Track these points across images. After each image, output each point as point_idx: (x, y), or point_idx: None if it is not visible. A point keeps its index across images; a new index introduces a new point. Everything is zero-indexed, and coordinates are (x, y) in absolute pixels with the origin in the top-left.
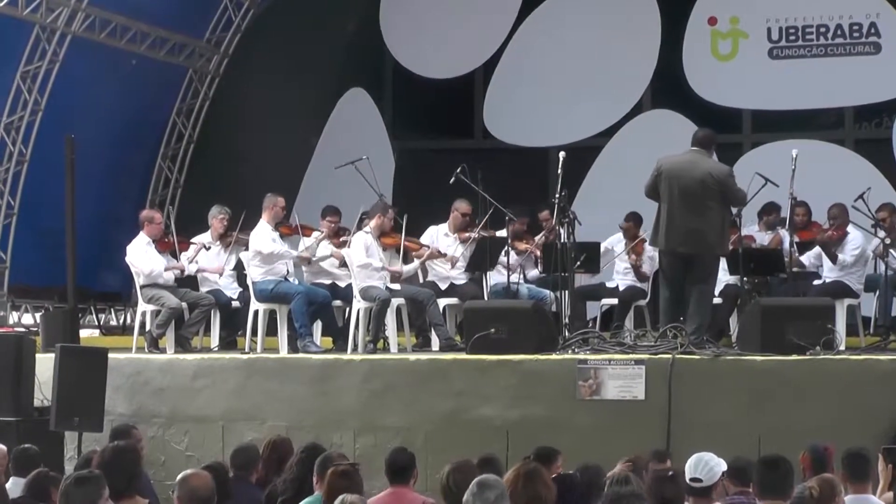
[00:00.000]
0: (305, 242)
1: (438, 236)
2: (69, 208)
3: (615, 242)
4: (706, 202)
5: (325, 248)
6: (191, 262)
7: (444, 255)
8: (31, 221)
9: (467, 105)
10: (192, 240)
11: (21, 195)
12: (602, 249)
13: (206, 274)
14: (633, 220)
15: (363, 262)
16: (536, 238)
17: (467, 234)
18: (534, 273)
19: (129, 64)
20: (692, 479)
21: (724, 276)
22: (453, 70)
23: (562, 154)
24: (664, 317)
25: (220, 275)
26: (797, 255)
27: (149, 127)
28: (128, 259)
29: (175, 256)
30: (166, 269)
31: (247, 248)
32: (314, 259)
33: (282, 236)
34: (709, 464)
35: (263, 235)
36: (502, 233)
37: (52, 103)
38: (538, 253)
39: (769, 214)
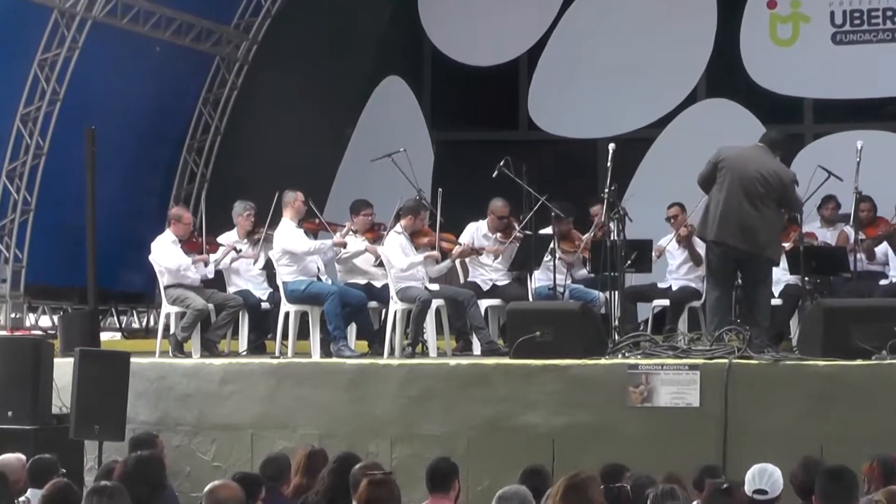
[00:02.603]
0: (334, 238)
1: (477, 236)
2: (90, 204)
3: (667, 242)
4: (765, 200)
5: (360, 243)
6: (217, 264)
7: (479, 252)
8: (49, 218)
9: (511, 94)
10: (220, 239)
11: (38, 190)
12: (655, 254)
13: (240, 264)
14: (679, 206)
15: (406, 264)
16: (585, 236)
17: (505, 238)
18: (582, 272)
19: (152, 51)
20: (756, 491)
21: (784, 276)
22: (496, 57)
23: (611, 146)
24: (713, 317)
25: (255, 261)
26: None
27: (173, 118)
28: (152, 257)
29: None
30: (194, 262)
31: None
32: (346, 255)
33: (306, 233)
34: (773, 475)
35: (291, 233)
36: (548, 230)
37: (72, 93)
38: (587, 254)
39: (826, 208)
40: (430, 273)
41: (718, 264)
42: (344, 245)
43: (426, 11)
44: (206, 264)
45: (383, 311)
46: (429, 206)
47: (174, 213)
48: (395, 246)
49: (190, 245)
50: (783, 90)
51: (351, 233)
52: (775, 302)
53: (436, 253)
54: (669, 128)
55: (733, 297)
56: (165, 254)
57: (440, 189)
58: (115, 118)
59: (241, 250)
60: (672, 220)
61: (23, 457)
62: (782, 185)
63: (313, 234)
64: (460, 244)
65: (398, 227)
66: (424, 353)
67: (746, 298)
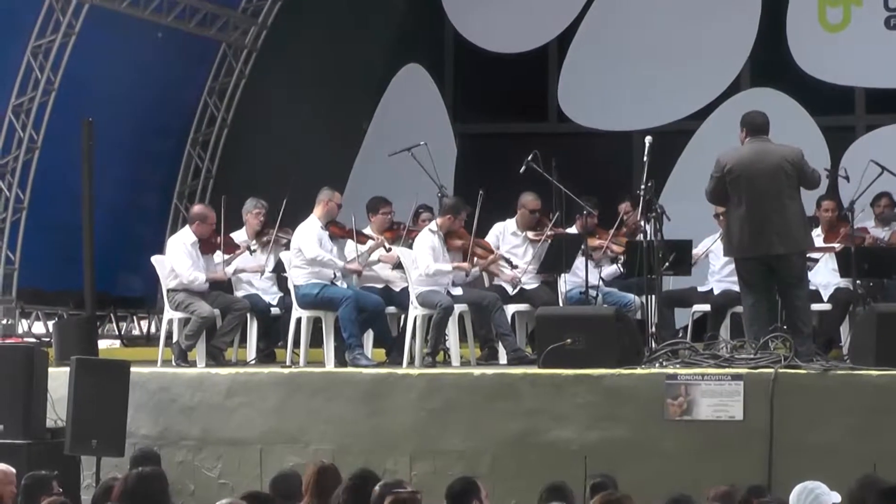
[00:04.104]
0: (358, 249)
1: (505, 235)
2: (86, 202)
3: (711, 242)
4: (785, 192)
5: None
6: (229, 263)
7: (511, 264)
8: (44, 217)
9: (540, 84)
10: (231, 235)
11: (32, 187)
12: (696, 255)
13: (245, 275)
14: None
15: (433, 269)
16: (611, 231)
17: (537, 236)
18: (611, 270)
19: (154, 37)
20: None
21: (834, 279)
22: (524, 43)
23: (648, 139)
24: (752, 326)
25: (261, 274)
26: None
27: (177, 109)
28: (164, 257)
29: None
30: (207, 280)
31: (287, 248)
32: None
33: (332, 237)
34: (814, 492)
35: (310, 234)
36: (573, 229)
37: (67, 82)
38: (613, 248)
39: (879, 205)
40: (456, 279)
41: (749, 271)
42: (359, 274)
43: None
44: (223, 281)
45: (402, 316)
46: (465, 206)
47: (199, 212)
48: (426, 247)
49: (207, 246)
50: (833, 79)
51: (383, 248)
52: (825, 307)
53: (467, 265)
54: (710, 120)
55: (777, 304)
56: (183, 259)
57: (481, 191)
58: (113, 109)
59: (254, 250)
60: (720, 218)
61: (11, 469)
62: (796, 168)
63: (339, 240)
64: (494, 253)
65: (433, 226)
66: (446, 363)
67: (784, 305)
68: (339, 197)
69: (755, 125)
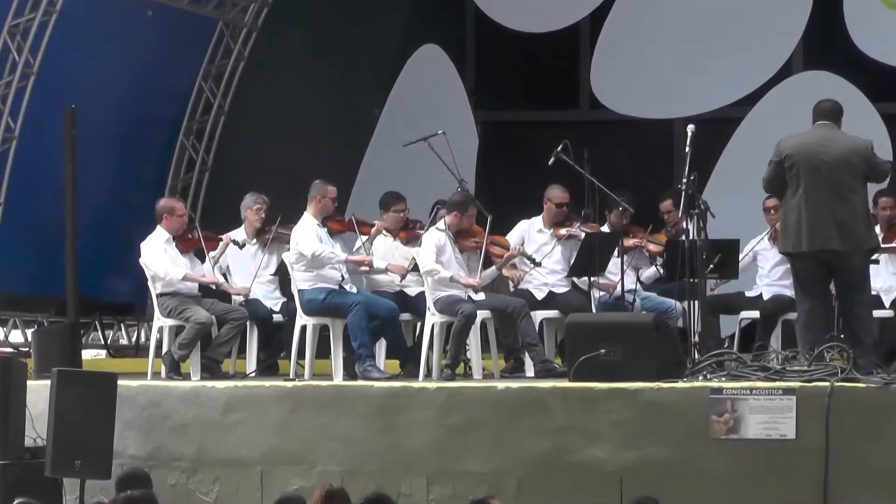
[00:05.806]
0: (362, 240)
1: (531, 233)
2: (69, 197)
3: (756, 242)
4: (850, 184)
5: (392, 247)
6: (216, 262)
7: (532, 260)
8: (22, 214)
9: (570, 66)
10: (222, 235)
11: (8, 180)
12: (747, 258)
13: (244, 266)
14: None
15: (429, 267)
16: (649, 229)
17: (564, 231)
18: (650, 272)
19: (143, 16)
20: None
21: (894, 283)
22: (553, 22)
23: (690, 128)
24: (808, 334)
25: (253, 278)
26: None
27: (168, 95)
28: (142, 260)
29: (201, 257)
30: (185, 279)
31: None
32: (376, 266)
33: (331, 233)
34: None
35: (307, 232)
36: (606, 227)
37: (48, 66)
38: (650, 248)
39: None
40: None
41: (807, 271)
42: (369, 265)
43: None
44: (217, 286)
45: (418, 324)
46: (473, 200)
47: (164, 205)
48: (430, 244)
49: (185, 242)
50: (895, 61)
51: (382, 233)
52: (886, 313)
53: (475, 283)
54: (759, 106)
55: (835, 310)
56: (157, 257)
57: (485, 181)
58: (99, 96)
59: (243, 244)
60: (771, 212)
61: None
62: (863, 160)
63: (339, 235)
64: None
65: (441, 224)
66: (467, 375)
67: (843, 311)
68: (334, 191)
69: (823, 111)
